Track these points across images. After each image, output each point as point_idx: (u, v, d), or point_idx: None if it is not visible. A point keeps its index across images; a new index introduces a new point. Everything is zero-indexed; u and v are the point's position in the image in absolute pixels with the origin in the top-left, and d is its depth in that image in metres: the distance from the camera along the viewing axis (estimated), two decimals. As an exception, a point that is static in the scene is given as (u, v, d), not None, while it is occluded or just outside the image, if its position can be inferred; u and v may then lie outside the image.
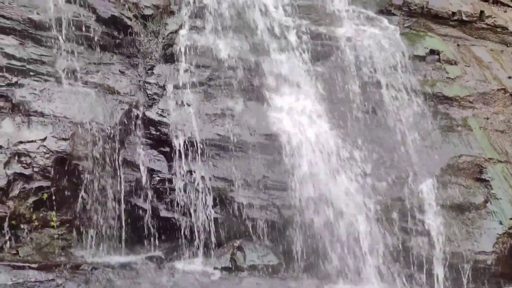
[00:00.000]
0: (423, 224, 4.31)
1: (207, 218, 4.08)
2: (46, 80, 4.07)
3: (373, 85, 5.02)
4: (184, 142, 4.28)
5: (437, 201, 4.41)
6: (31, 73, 4.04)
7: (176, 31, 4.94)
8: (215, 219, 4.09)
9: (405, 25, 5.74)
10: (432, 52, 5.44)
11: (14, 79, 3.94)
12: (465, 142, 4.89)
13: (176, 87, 4.58)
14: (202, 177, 4.18)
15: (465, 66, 5.47)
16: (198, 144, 4.29)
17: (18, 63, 4.01)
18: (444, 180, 4.57)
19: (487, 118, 5.14)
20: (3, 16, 4.08)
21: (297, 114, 4.71)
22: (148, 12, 4.85)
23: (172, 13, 5.09)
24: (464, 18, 5.84)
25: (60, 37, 4.28)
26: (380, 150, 4.69)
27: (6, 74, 3.91)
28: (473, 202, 4.56)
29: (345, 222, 4.15)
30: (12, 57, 4.00)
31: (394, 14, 5.78)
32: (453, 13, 5.84)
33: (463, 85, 5.30)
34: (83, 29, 4.40)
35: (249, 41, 5.01)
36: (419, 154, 4.66)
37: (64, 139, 3.82)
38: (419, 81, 5.16)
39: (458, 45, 5.70)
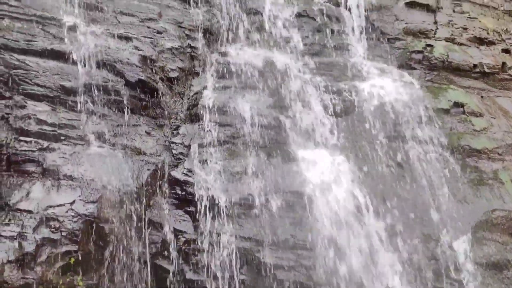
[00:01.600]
0: (459, 284, 4.11)
1: (234, 280, 3.99)
2: (76, 144, 4.17)
3: (398, 139, 4.99)
4: (209, 201, 4.27)
5: (473, 259, 4.22)
6: (62, 138, 4.15)
7: (200, 91, 5.06)
8: (242, 281, 3.99)
9: (426, 79, 5.75)
10: (456, 104, 5.41)
11: (46, 144, 4.05)
12: (497, 196, 4.75)
13: (201, 146, 4.64)
14: (228, 238, 4.12)
15: (491, 117, 5.40)
16: (224, 203, 4.27)
17: (50, 128, 4.13)
18: (479, 236, 4.40)
19: (518, 170, 5.01)
20: (38, 84, 4.27)
21: (322, 170, 4.67)
22: (173, 74, 5.00)
23: (196, 74, 5.25)
24: (486, 70, 5.84)
25: (89, 102, 4.42)
26: (409, 206, 4.58)
27: (39, 140, 4.03)
28: (511, 259, 4.35)
29: (377, 283, 3.99)
30: (44, 122, 4.14)
31: (414, 68, 5.82)
32: (475, 66, 5.85)
33: (490, 137, 5.22)
34: (112, 93, 4.55)
35: (272, 98, 5.09)
36: (451, 210, 4.52)
37: (92, 202, 3.85)
38: (445, 134, 5.10)
39: (482, 96, 5.67)
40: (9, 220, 3.60)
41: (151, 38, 4.97)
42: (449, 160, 4.97)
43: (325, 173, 4.63)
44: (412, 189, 4.68)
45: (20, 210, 3.66)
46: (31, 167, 3.92)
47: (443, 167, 4.89)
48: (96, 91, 4.46)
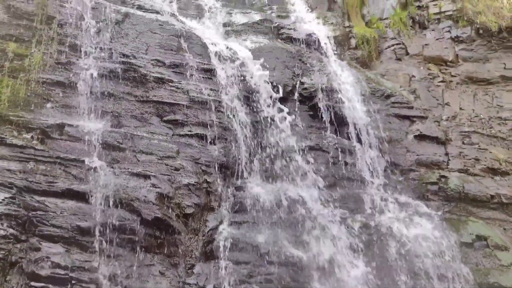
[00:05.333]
0: None
1: None
2: (87, 288, 4.02)
3: (422, 276, 4.75)
4: None
5: None
6: (73, 281, 4.02)
7: (216, 227, 5.00)
8: None
9: (445, 210, 5.66)
10: (479, 237, 5.26)
11: (56, 290, 3.91)
12: None
13: (216, 287, 4.44)
14: None
15: (517, 251, 5.19)
16: None
17: (62, 272, 4.03)
18: None
19: (556, 311, 4.66)
20: (54, 225, 4.26)
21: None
22: (189, 210, 4.99)
23: (212, 209, 5.23)
24: (504, 200, 5.76)
25: (104, 242, 4.36)
26: None
27: (49, 285, 3.91)
28: None
29: None
30: (57, 265, 4.05)
31: (431, 199, 5.77)
32: (492, 196, 5.78)
33: (520, 272, 4.96)
34: (127, 232, 4.50)
35: (289, 233, 4.99)
36: None
37: None
38: (471, 271, 4.87)
39: (504, 228, 5.52)
40: None
41: (168, 175, 5.05)
42: (479, 299, 4.67)
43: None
44: (443, 334, 4.33)
45: None
46: (37, 317, 3.74)
47: (474, 308, 4.59)
48: (111, 230, 4.42)
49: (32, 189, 4.36)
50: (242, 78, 5.99)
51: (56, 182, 4.49)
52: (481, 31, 7.23)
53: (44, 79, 5.23)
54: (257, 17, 7.22)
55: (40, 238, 4.18)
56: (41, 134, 4.77)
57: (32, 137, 4.71)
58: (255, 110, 5.91)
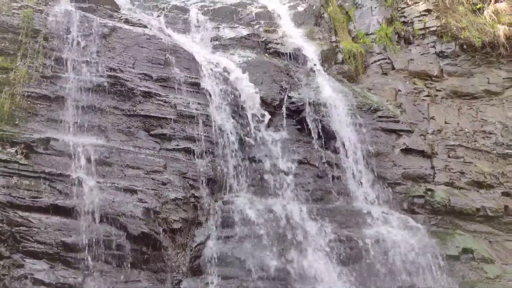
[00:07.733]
0: None
1: None
2: (70, 307, 3.95)
3: (411, 291, 4.77)
4: None
5: None
6: (57, 299, 3.94)
7: (203, 242, 4.96)
8: None
9: (431, 223, 5.70)
10: (465, 250, 5.29)
11: (39, 308, 3.82)
12: None
13: (203, 302, 4.40)
14: None
15: (503, 264, 5.24)
16: None
17: (46, 289, 3.95)
18: None
19: (542, 323, 4.69)
20: (38, 241, 4.19)
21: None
22: (176, 225, 4.95)
23: (200, 224, 5.19)
24: (490, 214, 5.82)
25: (89, 258, 4.30)
26: None
27: (32, 304, 3.82)
28: None
29: None
30: (41, 282, 3.98)
31: (418, 213, 5.80)
32: (477, 209, 5.84)
33: (505, 285, 5.00)
34: (113, 247, 4.45)
35: (277, 248, 4.96)
36: None
37: None
38: (458, 283, 4.90)
39: (490, 241, 5.57)
40: None
41: (155, 190, 5.01)
42: (467, 313, 4.69)
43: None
44: None
45: None
46: (19, 336, 3.65)
47: (462, 321, 4.59)
48: (97, 246, 4.36)
49: (15, 205, 4.28)
50: (229, 92, 6.01)
51: (40, 198, 4.42)
52: (465, 46, 7.37)
53: (29, 93, 5.18)
54: (244, 31, 7.27)
55: (24, 254, 4.10)
56: (25, 149, 4.70)
57: (16, 151, 4.64)
58: (242, 124, 5.91)
